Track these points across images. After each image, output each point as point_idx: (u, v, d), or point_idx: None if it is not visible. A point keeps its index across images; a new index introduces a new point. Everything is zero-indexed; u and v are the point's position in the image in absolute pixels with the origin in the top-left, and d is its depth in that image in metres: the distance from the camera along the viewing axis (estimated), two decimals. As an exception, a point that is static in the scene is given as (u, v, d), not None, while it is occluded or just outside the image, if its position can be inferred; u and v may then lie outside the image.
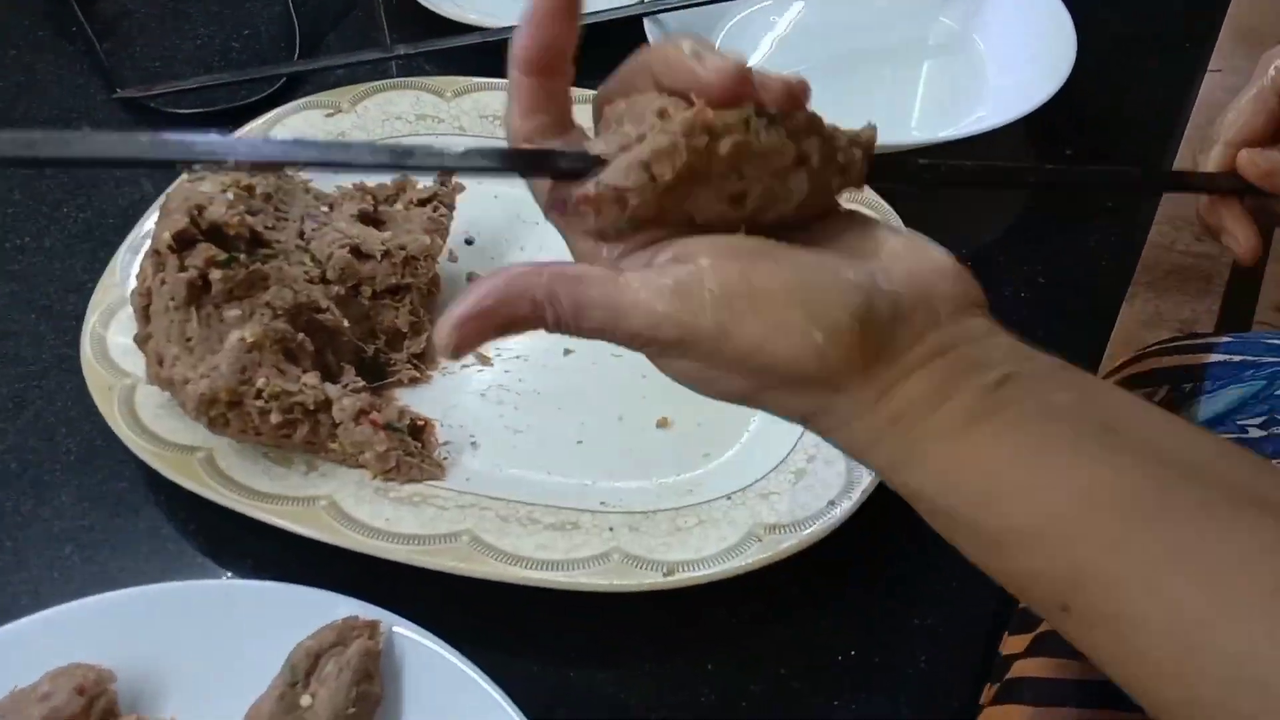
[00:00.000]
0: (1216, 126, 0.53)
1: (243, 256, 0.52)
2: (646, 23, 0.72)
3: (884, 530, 0.52)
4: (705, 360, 0.33)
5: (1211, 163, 0.53)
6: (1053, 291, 0.65)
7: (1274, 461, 0.62)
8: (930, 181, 0.43)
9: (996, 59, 0.75)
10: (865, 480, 0.50)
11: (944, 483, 0.33)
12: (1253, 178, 0.52)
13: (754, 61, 0.75)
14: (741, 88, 0.33)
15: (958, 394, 0.33)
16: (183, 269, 0.51)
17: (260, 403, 0.49)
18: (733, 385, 0.34)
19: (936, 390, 0.33)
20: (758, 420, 0.55)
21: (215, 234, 0.53)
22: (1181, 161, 0.78)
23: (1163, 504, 0.31)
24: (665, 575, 0.47)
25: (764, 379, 0.33)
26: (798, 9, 0.80)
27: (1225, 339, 0.70)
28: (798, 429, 0.53)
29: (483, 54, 0.75)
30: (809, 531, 0.48)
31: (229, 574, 0.52)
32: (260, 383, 0.49)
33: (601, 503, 0.51)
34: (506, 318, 0.32)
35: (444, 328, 0.32)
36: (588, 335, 0.33)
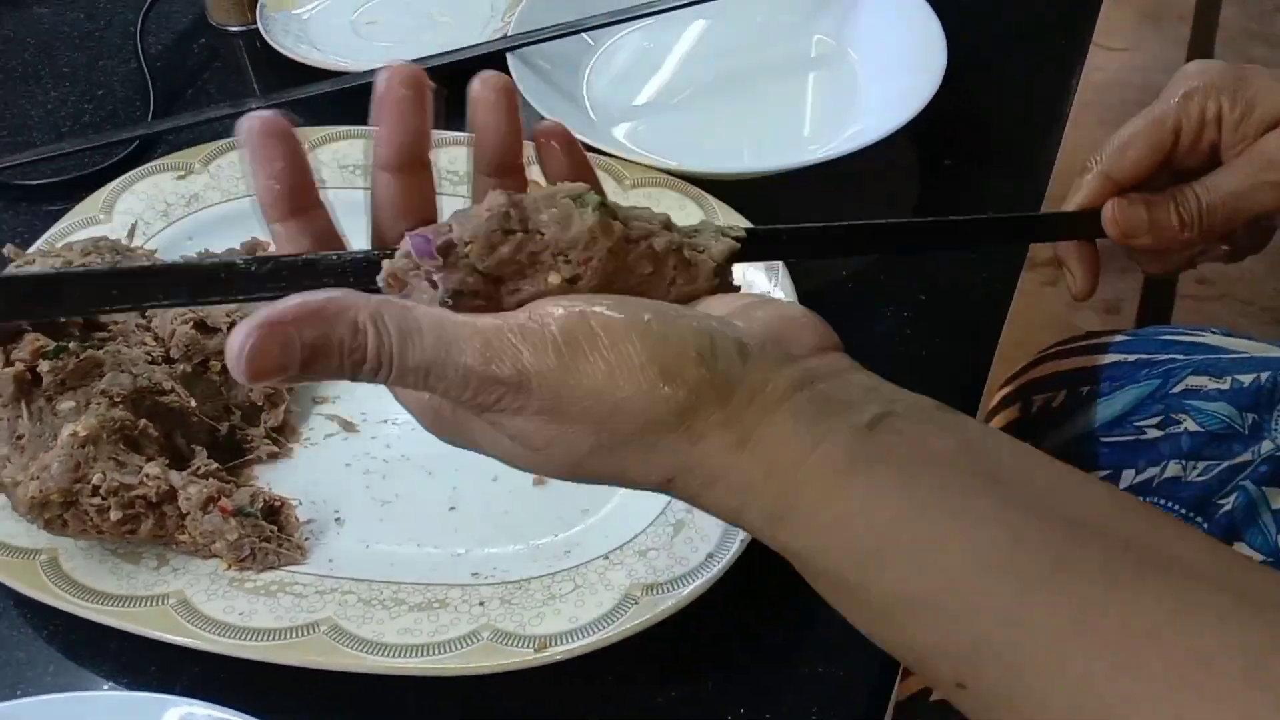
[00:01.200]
0: (1101, 151, 0.52)
1: (73, 344, 0.49)
2: (510, 58, 0.70)
3: (764, 579, 0.50)
4: (548, 411, 0.30)
5: (1084, 189, 0.52)
6: (937, 307, 0.64)
7: (1174, 464, 0.61)
8: (802, 252, 0.41)
9: (871, 71, 0.74)
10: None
11: (825, 542, 0.30)
12: (1112, 235, 0.52)
13: (632, 90, 0.73)
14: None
15: (830, 436, 0.30)
16: (9, 363, 0.48)
17: (97, 500, 0.46)
18: (578, 443, 0.31)
19: (807, 430, 0.30)
20: (636, 470, 0.53)
21: (45, 321, 0.50)
22: (1064, 149, 0.77)
23: (1063, 568, 0.28)
24: (536, 651, 0.44)
25: (612, 428, 0.30)
26: (673, 34, 0.78)
27: (1121, 337, 0.69)
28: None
29: (347, 98, 0.72)
30: (689, 590, 0.46)
31: (92, 681, 0.49)
32: (96, 479, 0.46)
33: (473, 574, 0.49)
34: (317, 339, 0.29)
35: (239, 333, 0.28)
36: (407, 378, 0.30)
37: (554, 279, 0.32)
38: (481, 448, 0.34)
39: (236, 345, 0.28)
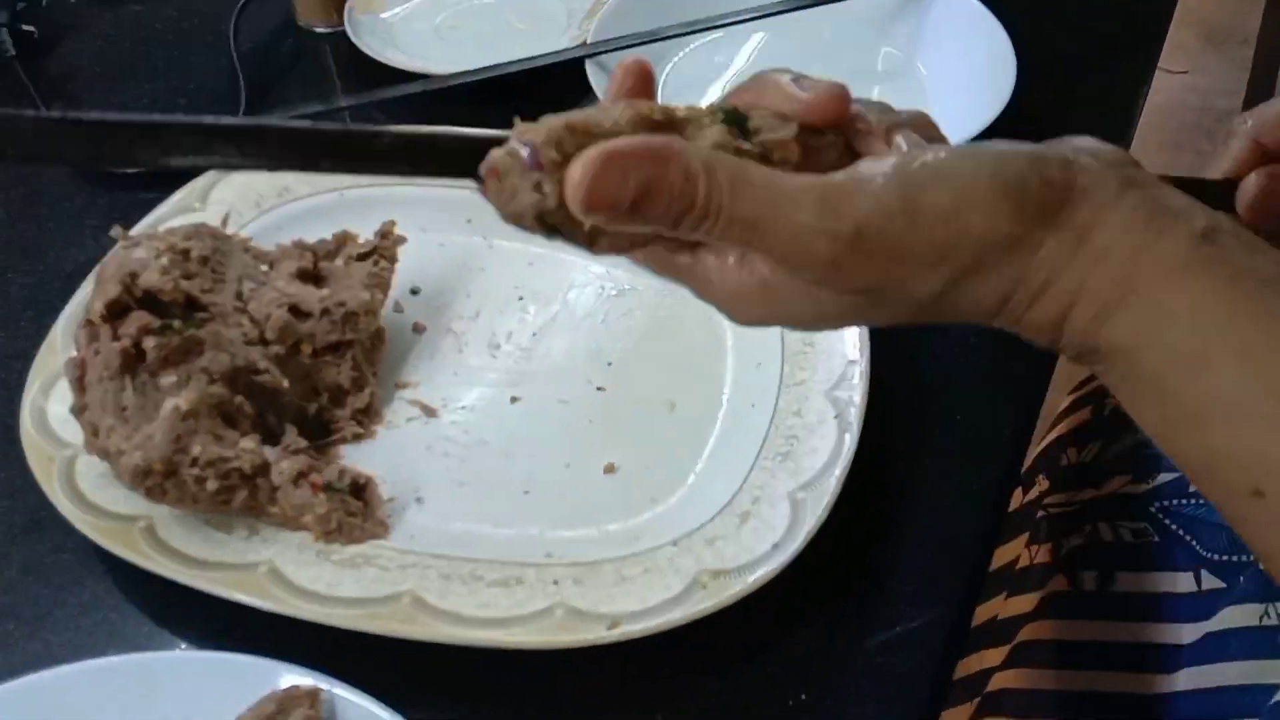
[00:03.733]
0: (1249, 116, 0.48)
1: (177, 323, 0.52)
2: (589, 65, 0.72)
3: (829, 569, 0.51)
4: (885, 258, 0.30)
5: (1232, 153, 0.48)
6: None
7: None
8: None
9: (939, 85, 0.75)
10: (810, 521, 0.50)
11: (1152, 338, 0.31)
12: (1243, 215, 0.47)
13: (705, 98, 0.75)
14: (839, 105, 0.33)
15: (1166, 236, 0.31)
16: (116, 338, 0.51)
17: (196, 471, 0.49)
18: (919, 285, 0.31)
19: (1145, 226, 0.31)
20: (704, 462, 0.55)
21: (150, 300, 0.52)
22: (1152, 169, 0.77)
23: None
24: (609, 629, 0.46)
25: (957, 258, 0.31)
26: (745, 45, 0.80)
27: None
28: (743, 469, 0.53)
29: (431, 102, 0.75)
30: (754, 577, 0.48)
31: (176, 644, 0.51)
32: (195, 450, 0.49)
33: (547, 554, 0.51)
34: (652, 178, 0.29)
35: (581, 163, 0.29)
36: (736, 230, 0.30)
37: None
38: (803, 320, 0.34)
39: (578, 173, 0.29)
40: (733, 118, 0.33)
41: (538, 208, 0.31)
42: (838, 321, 0.34)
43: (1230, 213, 0.48)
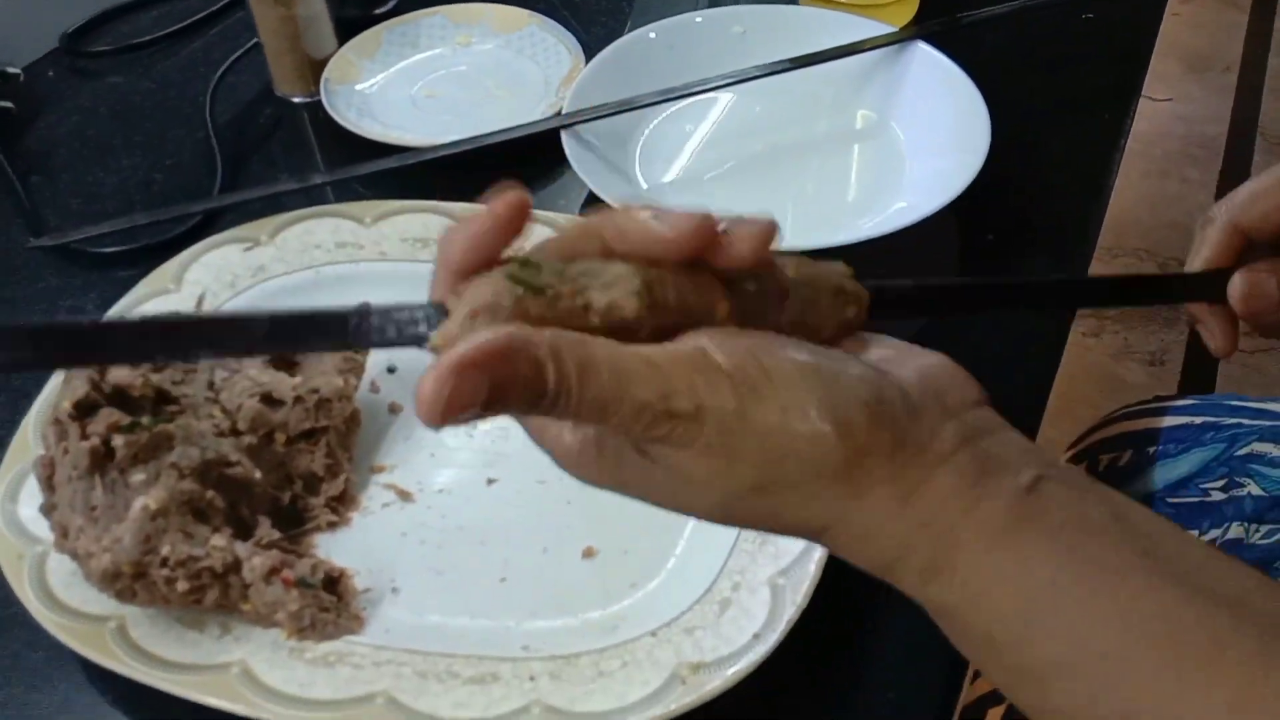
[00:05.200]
0: (1224, 203, 0.49)
1: (146, 419, 0.51)
2: (564, 135, 0.72)
3: (810, 656, 0.51)
4: (716, 447, 0.30)
5: (1211, 242, 0.49)
6: (985, 363, 0.64)
7: (1236, 526, 0.62)
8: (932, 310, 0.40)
9: (916, 146, 0.75)
10: (790, 609, 0.49)
11: (980, 601, 0.31)
12: (1239, 310, 0.48)
13: (681, 163, 0.76)
14: (703, 240, 0.32)
15: (990, 497, 0.31)
16: (85, 437, 0.50)
17: (166, 571, 0.48)
18: (739, 479, 0.30)
19: (969, 488, 0.31)
20: (684, 543, 0.54)
21: (119, 396, 0.52)
22: (1124, 201, 0.77)
23: (1219, 646, 0.29)
24: (585, 729, 0.46)
25: (777, 470, 0.30)
26: (719, 109, 0.80)
27: (1189, 401, 0.70)
28: (723, 553, 0.52)
29: (408, 174, 0.75)
30: (734, 670, 0.47)
31: (148, 744, 0.51)
32: (165, 550, 0.48)
33: (524, 647, 0.50)
34: (502, 377, 0.29)
35: (432, 381, 0.28)
36: (585, 411, 0.30)
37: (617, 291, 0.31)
38: (628, 487, 0.33)
39: (431, 392, 0.28)
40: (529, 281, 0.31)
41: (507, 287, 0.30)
42: (659, 498, 0.33)
43: (1222, 303, 0.48)
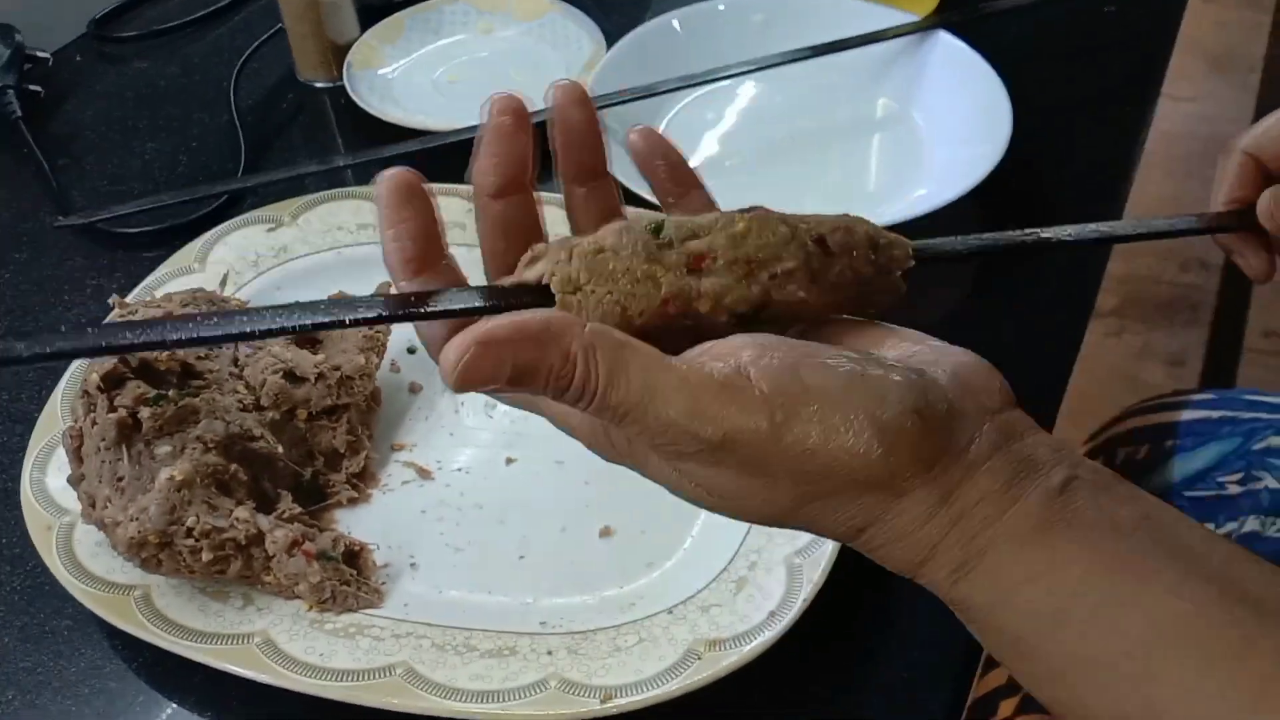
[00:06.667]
0: (1243, 136, 0.49)
1: (172, 392, 0.52)
2: (584, 119, 0.72)
3: (826, 635, 0.51)
4: (746, 467, 0.30)
5: (1229, 174, 0.49)
6: (1005, 356, 0.65)
7: (1253, 519, 0.62)
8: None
9: (937, 134, 0.75)
10: (806, 588, 0.49)
11: (1010, 600, 0.31)
12: (1270, 227, 0.47)
13: (702, 150, 0.76)
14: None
15: (1023, 498, 0.31)
16: (112, 409, 0.51)
17: (190, 542, 0.49)
18: (776, 497, 0.31)
19: (1003, 489, 0.31)
20: (700, 525, 0.55)
21: (146, 369, 0.53)
22: (1144, 200, 0.77)
23: (1247, 646, 0.29)
24: (602, 702, 0.46)
25: (817, 486, 0.30)
26: (740, 96, 0.81)
27: (1207, 395, 0.70)
28: (740, 533, 0.52)
29: (431, 158, 0.75)
30: (750, 647, 0.48)
31: (172, 711, 0.51)
32: (190, 521, 0.49)
33: (541, 623, 0.50)
34: (529, 362, 0.29)
35: (455, 347, 0.28)
36: (605, 414, 0.30)
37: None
38: (649, 475, 0.33)
39: (452, 358, 0.29)
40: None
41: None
42: (683, 495, 0.33)
43: (1253, 230, 0.48)
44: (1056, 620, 0.30)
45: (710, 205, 0.37)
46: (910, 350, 0.34)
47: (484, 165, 0.34)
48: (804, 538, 0.51)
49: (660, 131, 0.39)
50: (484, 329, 0.29)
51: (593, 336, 0.30)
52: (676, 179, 0.37)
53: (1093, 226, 0.42)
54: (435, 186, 0.69)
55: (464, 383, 0.29)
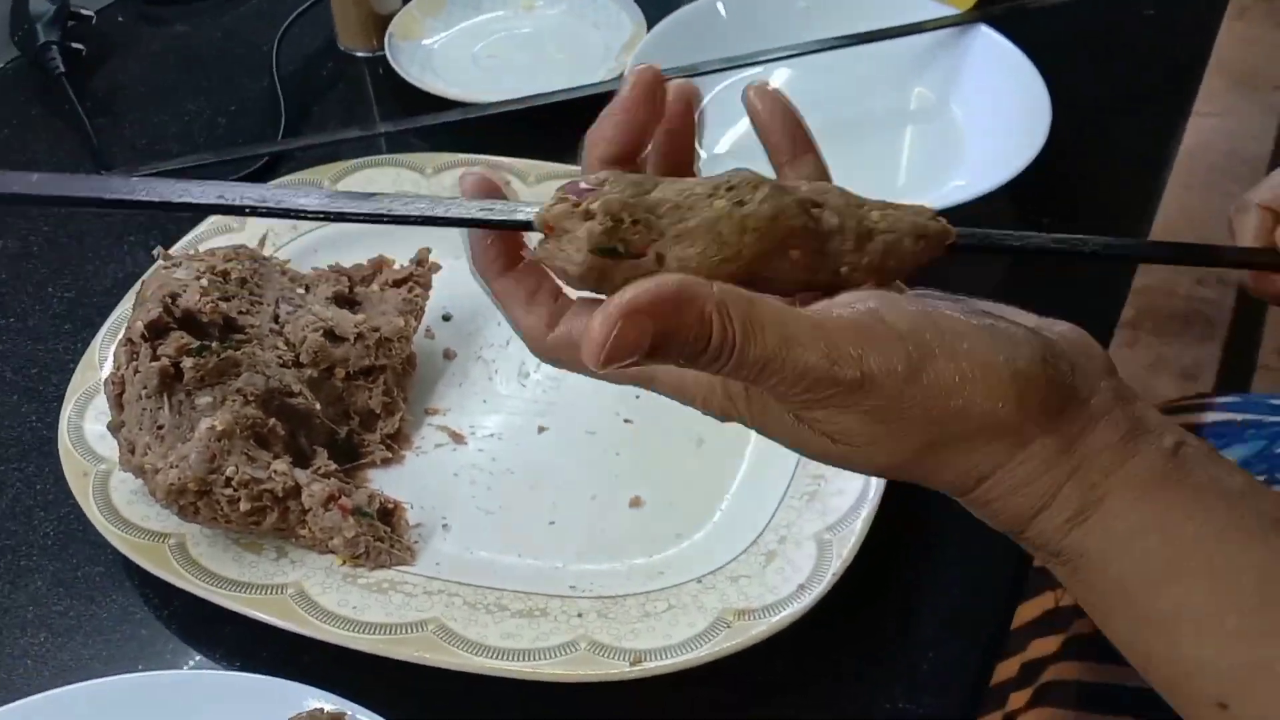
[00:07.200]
0: (1255, 190, 0.50)
1: (215, 344, 0.53)
2: (624, 96, 0.73)
3: (855, 611, 0.51)
4: (879, 410, 0.30)
5: (1248, 229, 0.49)
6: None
7: None
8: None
9: (974, 127, 0.75)
10: (835, 563, 0.50)
11: (1125, 547, 0.31)
12: None
13: (735, 136, 0.76)
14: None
15: (1141, 452, 0.31)
16: (155, 358, 0.52)
17: (229, 491, 0.49)
18: (904, 443, 0.31)
19: (1123, 442, 0.31)
20: (730, 499, 0.55)
21: (189, 321, 0.53)
22: (1165, 212, 0.78)
23: None
24: (631, 664, 0.46)
25: (947, 429, 0.30)
26: (777, 81, 0.81)
27: (1231, 398, 0.70)
28: (769, 508, 0.53)
29: (466, 128, 0.76)
30: (779, 618, 0.48)
31: (200, 659, 0.52)
32: (229, 471, 0.50)
33: (571, 586, 0.51)
34: (669, 328, 0.28)
35: (600, 322, 0.28)
36: (746, 372, 0.29)
37: (691, 250, 0.31)
38: (766, 430, 0.33)
39: (600, 335, 0.28)
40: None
41: (590, 234, 0.31)
42: (805, 450, 0.33)
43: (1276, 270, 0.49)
44: (1169, 572, 0.31)
45: (824, 172, 0.38)
46: (1016, 314, 0.34)
47: (602, 131, 0.34)
48: (834, 514, 0.52)
49: (778, 90, 0.38)
50: (624, 299, 0.28)
51: (722, 293, 0.29)
52: (793, 139, 0.38)
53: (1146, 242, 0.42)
54: (475, 158, 0.70)
55: (614, 355, 0.28)
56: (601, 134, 0.34)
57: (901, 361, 0.30)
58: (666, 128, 0.35)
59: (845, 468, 0.33)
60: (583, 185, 0.32)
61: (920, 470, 0.32)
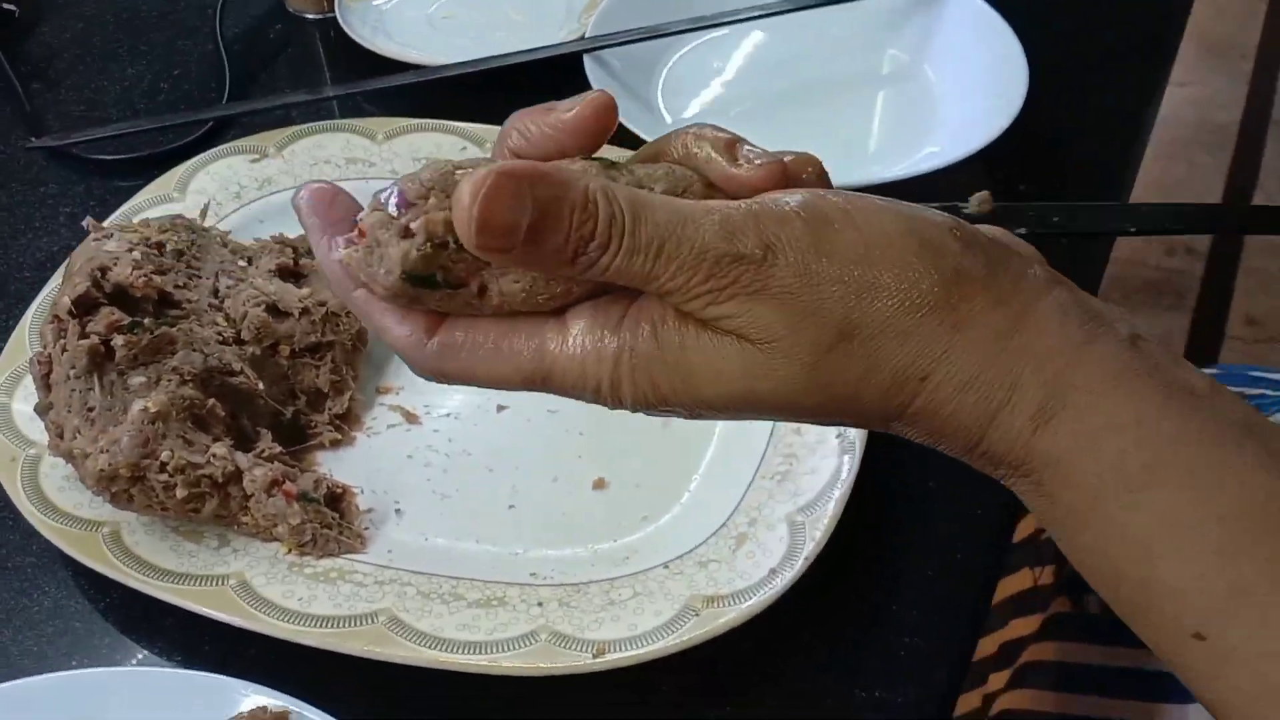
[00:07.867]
0: None
1: (148, 320, 0.49)
2: (587, 59, 0.70)
3: (828, 595, 0.49)
4: (794, 291, 0.27)
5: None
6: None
7: None
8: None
9: (948, 90, 0.73)
10: (808, 546, 0.47)
11: (1093, 446, 0.28)
12: None
13: (702, 103, 0.73)
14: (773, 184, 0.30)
15: (1100, 338, 0.28)
16: (84, 335, 0.48)
17: (164, 477, 0.46)
18: (827, 328, 0.27)
19: (1076, 326, 0.28)
20: (698, 480, 0.53)
21: (120, 296, 0.50)
22: (1145, 179, 0.76)
23: None
24: (595, 656, 0.44)
25: (870, 308, 0.27)
26: (746, 43, 0.78)
27: (1210, 371, 0.69)
28: (739, 489, 0.51)
29: (420, 92, 0.72)
30: (749, 604, 0.46)
31: (139, 654, 0.49)
32: (164, 455, 0.47)
33: (531, 574, 0.48)
34: (549, 200, 0.26)
35: (470, 184, 0.26)
36: (635, 259, 0.27)
37: (516, 286, 0.29)
38: (696, 387, 0.29)
39: (469, 192, 0.26)
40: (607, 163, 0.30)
41: (404, 256, 0.27)
42: (729, 387, 0.29)
43: None
44: (1146, 477, 0.28)
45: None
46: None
47: (532, 135, 0.30)
48: (807, 494, 0.49)
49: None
50: (499, 165, 0.26)
51: (605, 180, 0.28)
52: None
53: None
54: (429, 123, 0.67)
55: (484, 220, 0.26)
56: (528, 136, 0.30)
57: (804, 233, 0.27)
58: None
59: (773, 401, 0.29)
60: (405, 191, 0.28)
61: (856, 372, 0.28)
